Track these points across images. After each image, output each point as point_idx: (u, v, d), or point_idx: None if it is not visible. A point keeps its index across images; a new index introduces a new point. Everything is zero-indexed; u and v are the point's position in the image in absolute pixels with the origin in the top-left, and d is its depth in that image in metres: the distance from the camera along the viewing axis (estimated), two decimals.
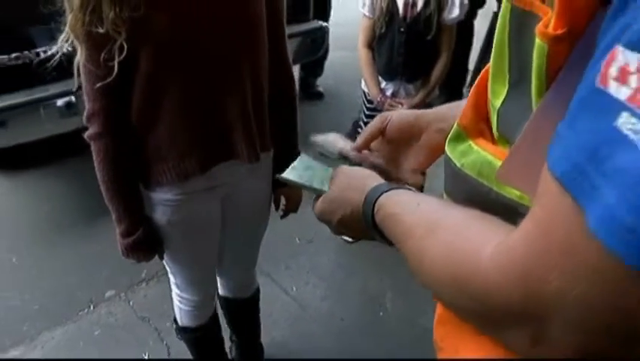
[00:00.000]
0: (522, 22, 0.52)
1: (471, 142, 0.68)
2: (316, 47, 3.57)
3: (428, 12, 2.33)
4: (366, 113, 2.67)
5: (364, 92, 2.67)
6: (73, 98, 2.68)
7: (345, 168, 0.90)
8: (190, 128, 1.40)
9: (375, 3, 2.42)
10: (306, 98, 4.49)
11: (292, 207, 1.79)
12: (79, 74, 1.31)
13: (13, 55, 2.67)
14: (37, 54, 2.68)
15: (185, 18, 1.29)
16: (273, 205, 1.80)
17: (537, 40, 0.47)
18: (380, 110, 2.52)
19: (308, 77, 4.55)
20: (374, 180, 0.80)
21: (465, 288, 0.51)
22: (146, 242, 1.52)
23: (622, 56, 0.36)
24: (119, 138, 1.38)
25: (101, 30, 1.20)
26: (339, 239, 3.00)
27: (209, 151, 1.45)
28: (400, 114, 0.94)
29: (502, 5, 0.55)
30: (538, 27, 0.47)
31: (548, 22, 0.46)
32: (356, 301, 2.64)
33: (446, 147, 0.72)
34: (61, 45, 1.28)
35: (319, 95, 4.54)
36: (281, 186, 1.72)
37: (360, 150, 0.95)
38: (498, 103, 0.60)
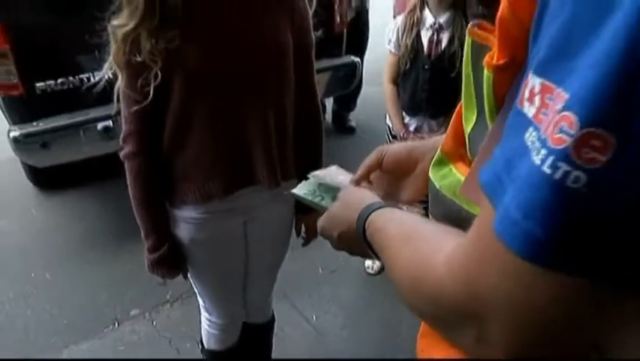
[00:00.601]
0: (480, 54, 0.57)
1: (451, 166, 0.73)
2: (347, 81, 3.65)
3: (452, 50, 2.38)
4: None
5: (389, 127, 2.73)
6: (111, 122, 2.82)
7: (350, 188, 0.95)
8: (215, 152, 1.50)
9: (400, 40, 2.49)
10: (338, 132, 4.56)
11: (311, 235, 1.84)
12: (118, 100, 1.44)
13: (59, 80, 2.84)
14: (81, 80, 2.84)
15: (215, 50, 1.40)
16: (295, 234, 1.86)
17: (485, 70, 0.53)
18: None
19: (341, 111, 4.62)
20: (370, 199, 0.85)
21: (422, 290, 0.55)
22: (170, 258, 1.61)
23: (531, 80, 0.42)
24: (151, 157, 1.49)
25: (139, 59, 1.33)
26: (361, 270, 3.02)
27: (232, 175, 1.53)
28: (394, 148, 0.98)
29: (466, 39, 0.61)
30: (485, 58, 0.53)
31: (494, 54, 0.52)
32: (374, 332, 2.65)
33: (430, 171, 0.77)
34: (105, 72, 1.41)
35: (351, 130, 4.59)
36: (302, 214, 1.78)
37: (358, 183, 0.99)
38: (469, 129, 0.65)
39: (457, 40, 2.37)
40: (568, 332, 0.43)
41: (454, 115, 0.74)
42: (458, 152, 0.73)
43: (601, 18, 0.36)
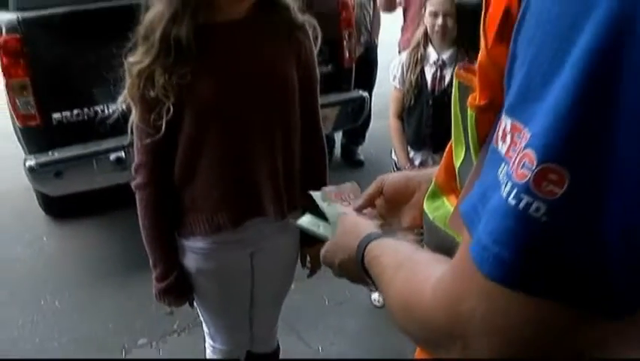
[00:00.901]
0: (465, 95, 0.62)
1: (444, 198, 0.77)
2: (356, 115, 3.71)
3: None
4: None
5: (394, 161, 2.78)
6: (123, 153, 2.89)
7: (350, 217, 0.98)
8: (223, 185, 1.55)
9: (404, 76, 2.56)
10: (347, 166, 4.61)
11: (316, 266, 1.87)
12: (132, 132, 1.50)
13: (75, 111, 2.93)
14: (96, 112, 2.93)
15: (225, 85, 1.47)
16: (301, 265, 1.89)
17: (468, 110, 0.58)
18: None
19: (349, 144, 4.67)
20: (369, 228, 0.88)
21: (413, 314, 0.59)
22: (177, 287, 1.65)
23: (504, 120, 0.46)
24: (161, 188, 1.55)
25: (152, 94, 1.40)
26: (368, 303, 3.03)
27: (240, 207, 1.58)
28: (393, 177, 1.02)
29: (454, 80, 0.66)
30: (469, 99, 0.57)
31: (476, 95, 0.56)
32: None
33: (424, 203, 0.81)
34: (119, 105, 1.48)
35: (360, 163, 4.63)
36: (307, 245, 1.81)
37: (360, 210, 1.03)
38: (458, 164, 0.70)
39: None
40: (547, 349, 0.46)
41: (446, 150, 0.78)
42: (450, 185, 0.77)
43: (556, 67, 0.41)
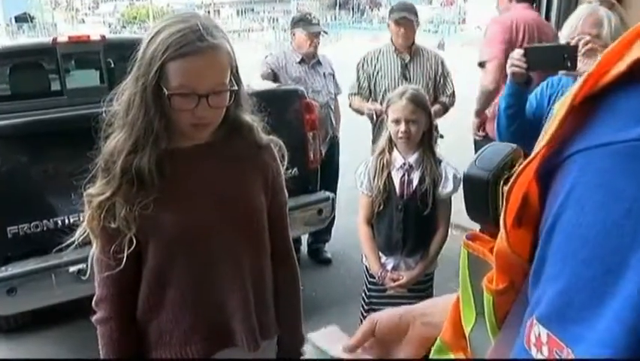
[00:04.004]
0: (477, 266, 0.60)
1: (452, 355, 0.74)
2: (324, 216, 3.69)
3: (423, 188, 2.46)
4: (368, 287, 2.71)
5: (366, 267, 2.72)
6: (85, 265, 2.76)
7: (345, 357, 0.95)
8: (191, 316, 1.48)
9: (372, 182, 2.55)
10: (314, 264, 4.54)
11: None
12: (92, 264, 1.44)
13: (33, 223, 2.82)
14: (56, 223, 2.82)
15: (190, 214, 1.42)
16: None
17: (485, 292, 0.55)
18: (382, 285, 2.58)
19: (316, 243, 4.63)
20: None
21: None
22: None
23: (537, 327, 0.43)
24: (124, 322, 1.46)
25: (113, 225, 1.34)
26: None
27: (210, 338, 1.51)
28: (387, 315, 0.99)
29: (461, 249, 0.64)
30: (484, 282, 0.55)
31: (493, 277, 0.54)
32: None
33: (430, 357, 0.78)
34: (78, 237, 1.42)
35: (327, 261, 4.59)
36: None
37: (352, 351, 0.98)
38: (468, 329, 0.67)
39: (427, 178, 2.46)
40: None
41: (452, 306, 0.75)
42: (460, 344, 0.74)
43: (602, 294, 0.38)
